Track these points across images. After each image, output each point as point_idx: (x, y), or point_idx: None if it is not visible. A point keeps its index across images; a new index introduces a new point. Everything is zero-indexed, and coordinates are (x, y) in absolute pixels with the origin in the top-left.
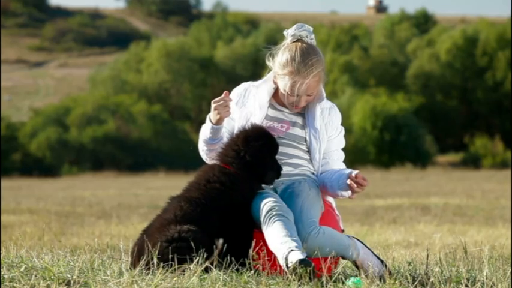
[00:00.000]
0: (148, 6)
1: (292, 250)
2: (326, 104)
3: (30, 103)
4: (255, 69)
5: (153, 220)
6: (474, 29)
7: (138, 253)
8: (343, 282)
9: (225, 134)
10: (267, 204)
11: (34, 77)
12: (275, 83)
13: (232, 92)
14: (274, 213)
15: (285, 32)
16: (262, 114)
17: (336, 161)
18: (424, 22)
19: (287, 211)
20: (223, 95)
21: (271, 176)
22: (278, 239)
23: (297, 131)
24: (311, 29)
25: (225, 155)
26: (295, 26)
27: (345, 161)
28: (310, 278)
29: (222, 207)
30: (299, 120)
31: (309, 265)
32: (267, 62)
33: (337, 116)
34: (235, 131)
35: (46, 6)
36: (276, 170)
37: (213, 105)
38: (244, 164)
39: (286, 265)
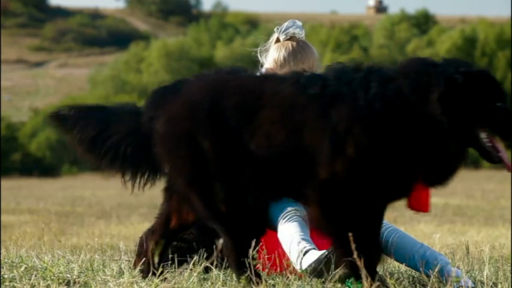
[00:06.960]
0: (148, 6)
1: (308, 250)
2: None
3: (30, 103)
4: (254, 70)
5: None
6: (473, 29)
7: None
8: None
9: None
10: (286, 205)
11: (34, 77)
12: None
13: None
14: (292, 213)
15: (276, 29)
16: None
17: None
18: (423, 22)
19: (304, 213)
20: None
21: None
22: (294, 239)
23: None
24: (301, 24)
25: None
26: (287, 22)
27: None
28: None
29: None
30: None
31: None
32: (260, 58)
33: None
34: None
35: (46, 6)
36: None
37: None
38: None
39: (301, 265)
